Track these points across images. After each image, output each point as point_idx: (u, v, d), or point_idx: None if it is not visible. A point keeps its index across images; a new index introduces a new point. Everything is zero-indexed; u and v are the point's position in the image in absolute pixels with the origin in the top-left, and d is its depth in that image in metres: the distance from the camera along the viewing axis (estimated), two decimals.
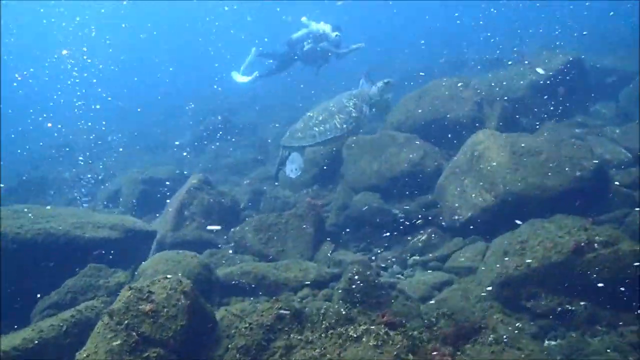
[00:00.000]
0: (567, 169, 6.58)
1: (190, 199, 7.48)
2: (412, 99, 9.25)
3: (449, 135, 8.36)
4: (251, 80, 12.14)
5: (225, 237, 7.47)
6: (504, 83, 9.80)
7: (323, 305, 4.79)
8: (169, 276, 4.51)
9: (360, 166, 8.79)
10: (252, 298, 5.77)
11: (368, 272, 5.39)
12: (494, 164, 6.90)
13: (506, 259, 5.38)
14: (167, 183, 9.94)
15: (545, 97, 9.35)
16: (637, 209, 6.45)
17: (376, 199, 8.29)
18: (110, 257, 6.10)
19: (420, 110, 8.68)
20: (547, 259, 4.94)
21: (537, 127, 8.77)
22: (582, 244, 4.81)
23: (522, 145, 7.00)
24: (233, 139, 14.46)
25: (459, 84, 8.65)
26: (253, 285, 5.87)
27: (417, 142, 8.45)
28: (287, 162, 7.47)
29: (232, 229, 7.22)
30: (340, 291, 5.32)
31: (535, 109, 9.24)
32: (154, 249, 6.90)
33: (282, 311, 4.38)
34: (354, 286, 5.23)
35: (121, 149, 16.43)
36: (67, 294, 5.44)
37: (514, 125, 8.37)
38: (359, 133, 7.60)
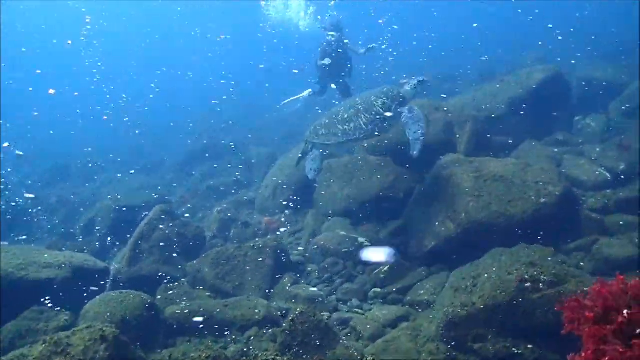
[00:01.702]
0: (531, 195, 6.30)
1: (149, 231, 7.34)
2: None
3: (421, 159, 8.10)
4: (303, 98, 12.05)
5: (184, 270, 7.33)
6: (484, 101, 9.54)
7: (252, 353, 4.59)
8: (92, 324, 4.35)
9: (332, 191, 8.59)
10: (198, 339, 5.60)
11: (312, 313, 5.17)
12: (456, 191, 6.65)
13: (456, 296, 5.13)
14: (144, 212, 9.82)
15: (525, 114, 9.05)
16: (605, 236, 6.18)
17: (346, 225, 8.10)
18: (60, 297, 5.97)
19: (391, 135, 8.44)
20: (493, 298, 4.67)
21: (514, 146, 8.49)
22: (527, 284, 4.53)
23: (487, 170, 6.75)
24: (220, 161, 14.36)
25: (429, 106, 8.41)
26: (201, 325, 5.70)
27: (389, 166, 8.22)
28: (307, 160, 7.23)
29: (189, 263, 7.06)
30: (282, 333, 5.11)
31: (514, 128, 8.96)
32: (109, 286, 6.77)
33: None
34: (296, 328, 5.02)
35: (119, 175, 16.48)
36: (6, 339, 5.32)
37: (486, 147, 8.11)
38: (388, 132, 7.06)
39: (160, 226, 7.38)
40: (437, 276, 6.36)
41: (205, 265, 6.85)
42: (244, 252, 6.94)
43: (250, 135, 17.76)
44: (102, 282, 6.78)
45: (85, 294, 6.14)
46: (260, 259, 6.84)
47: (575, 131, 10.99)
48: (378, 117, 6.72)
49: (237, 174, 12.44)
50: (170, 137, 20.11)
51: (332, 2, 17.58)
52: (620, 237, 6.15)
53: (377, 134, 6.91)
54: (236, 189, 11.61)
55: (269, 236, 8.54)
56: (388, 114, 6.74)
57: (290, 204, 9.18)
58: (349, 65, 11.32)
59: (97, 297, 5.78)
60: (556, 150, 8.28)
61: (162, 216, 7.56)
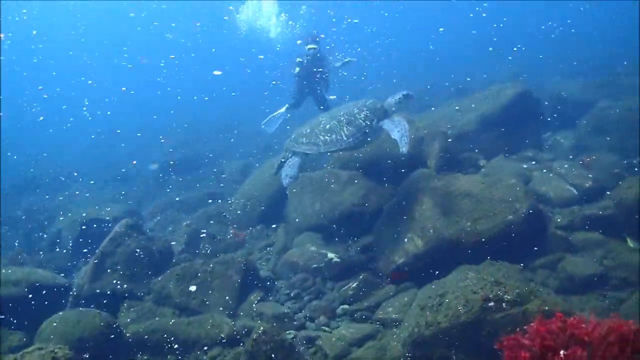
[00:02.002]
0: (498, 212, 6.32)
1: (113, 246, 7.15)
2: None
3: (392, 174, 8.10)
4: (281, 114, 12.05)
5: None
6: (455, 116, 9.60)
7: None
8: (43, 346, 4.19)
9: (303, 205, 8.52)
10: (160, 358, 5.45)
11: (276, 332, 5.08)
12: (425, 207, 6.65)
13: (422, 315, 5.08)
14: (113, 225, 9.61)
15: (495, 131, 9.12)
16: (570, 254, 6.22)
17: (317, 240, 8.04)
18: (18, 315, 5.78)
19: (360, 151, 8.45)
20: (457, 318, 4.64)
21: (484, 163, 8.53)
22: (490, 303, 4.52)
23: (455, 187, 6.77)
24: (195, 173, 14.21)
25: None
26: (163, 344, 5.56)
27: (360, 181, 8.18)
28: (285, 166, 7.11)
29: (154, 279, 6.90)
30: (245, 353, 5.00)
31: (485, 144, 9.01)
32: (70, 304, 6.57)
33: None
34: (258, 348, 4.91)
35: (92, 182, 16.14)
36: None
37: (456, 163, 8.13)
38: (367, 143, 7.01)
39: (125, 241, 7.21)
40: (406, 293, 6.31)
41: (170, 281, 6.70)
42: (211, 268, 6.81)
43: (226, 147, 17.68)
44: (63, 300, 6.58)
45: (43, 312, 5.94)
46: (227, 275, 6.73)
47: (545, 147, 11.16)
48: (360, 130, 6.72)
49: (208, 187, 12.29)
50: (146, 148, 19.85)
51: (304, 8, 17.69)
52: (585, 254, 6.20)
53: (356, 146, 6.90)
54: (210, 202, 11.45)
55: (238, 252, 8.45)
56: (369, 128, 6.75)
57: (262, 217, 9.08)
58: (325, 77, 11.41)
59: (55, 315, 5.59)
60: (525, 166, 8.34)
61: (128, 230, 7.39)
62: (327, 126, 6.86)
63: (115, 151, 19.93)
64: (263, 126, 12.26)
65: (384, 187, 8.19)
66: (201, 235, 8.96)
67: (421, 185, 6.98)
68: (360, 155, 8.50)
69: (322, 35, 11.40)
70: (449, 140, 8.04)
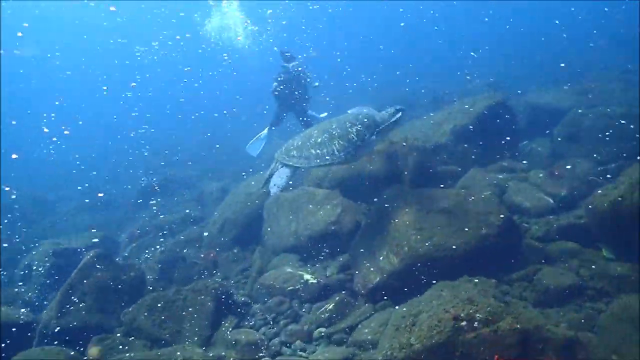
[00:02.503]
0: (472, 226, 6.24)
1: (80, 278, 6.94)
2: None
3: (368, 191, 8.02)
4: (264, 136, 12.01)
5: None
6: (430, 129, 9.56)
7: None
8: None
9: (279, 226, 8.40)
10: None
11: None
12: (400, 223, 6.54)
13: (395, 336, 4.95)
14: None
15: (470, 142, 9.09)
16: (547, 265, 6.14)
17: (294, 261, 7.91)
18: None
19: (335, 168, 8.37)
20: (429, 339, 4.50)
21: (460, 175, 8.48)
22: (462, 323, 4.39)
23: (430, 202, 6.68)
24: (173, 197, 14.00)
25: None
26: None
27: (336, 199, 8.08)
28: (275, 175, 6.93)
29: (125, 310, 6.69)
30: None
31: (460, 156, 8.97)
32: (36, 341, 6.35)
33: None
34: None
35: (69, 209, 15.83)
36: None
37: (432, 177, 8.06)
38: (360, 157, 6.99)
39: (94, 272, 7.00)
40: (383, 313, 6.17)
41: (141, 312, 6.50)
42: (183, 296, 6.62)
43: (206, 168, 17.51)
44: (32, 337, 6.35)
45: (9, 352, 5.72)
46: (200, 303, 6.55)
47: (522, 156, 11.13)
48: (351, 144, 6.61)
49: (187, 210, 12.10)
50: (125, 171, 19.60)
51: (269, 13, 17.75)
52: (561, 265, 6.12)
53: (348, 160, 6.79)
54: (187, 225, 11.27)
55: (214, 277, 8.28)
56: (361, 142, 6.67)
57: (238, 240, 8.92)
58: (306, 97, 11.41)
59: (19, 354, 5.37)
60: (501, 176, 8.29)
61: (96, 261, 7.18)
62: (319, 140, 6.72)
63: (93, 175, 19.61)
64: (247, 150, 12.24)
65: (360, 205, 8.10)
66: (177, 262, 8.76)
67: (395, 202, 6.88)
68: (336, 172, 8.41)
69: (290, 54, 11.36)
70: (424, 153, 7.97)
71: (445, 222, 6.36)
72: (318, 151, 6.63)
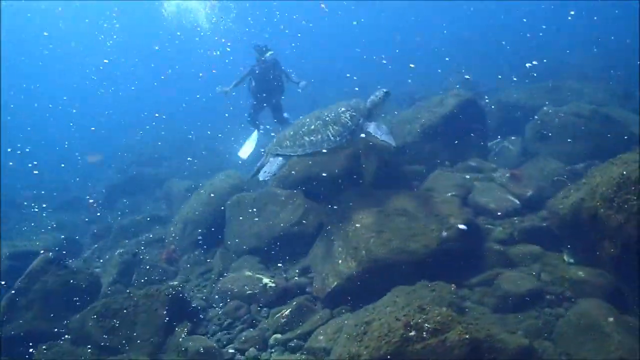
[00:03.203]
0: (433, 228, 6.08)
1: (27, 284, 6.63)
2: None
3: (332, 191, 7.80)
4: (254, 139, 11.95)
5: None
6: (396, 128, 9.37)
7: None
8: None
9: (241, 227, 8.16)
10: None
11: None
12: (359, 226, 6.35)
13: (346, 345, 4.75)
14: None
15: (438, 141, 8.92)
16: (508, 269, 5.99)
17: (255, 264, 7.69)
18: None
19: (297, 167, 8.15)
20: (378, 350, 4.31)
21: (426, 175, 8.31)
22: (411, 332, 4.21)
23: (390, 203, 6.50)
24: (141, 196, 13.68)
25: None
26: None
27: (298, 200, 7.87)
28: (267, 164, 6.82)
29: (73, 317, 6.40)
30: None
31: (427, 155, 8.81)
32: None
33: None
34: None
35: (36, 209, 15.35)
36: None
37: (398, 177, 7.87)
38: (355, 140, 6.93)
39: (43, 277, 6.70)
40: (339, 319, 5.96)
41: (90, 319, 6.21)
42: (135, 302, 6.35)
43: (179, 167, 17.17)
44: None
45: None
46: (153, 309, 6.28)
47: (494, 154, 11.03)
48: (346, 128, 6.56)
49: (154, 210, 11.79)
50: (97, 169, 19.18)
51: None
52: (522, 269, 5.98)
53: (344, 145, 6.71)
54: (153, 226, 10.96)
55: (176, 280, 8.02)
56: (355, 126, 6.63)
57: (201, 241, 8.66)
58: (280, 85, 11.38)
59: None
60: (468, 176, 8.13)
61: (45, 265, 6.87)
62: (312, 127, 6.68)
63: (64, 174, 19.13)
64: (240, 155, 12.13)
65: (323, 206, 7.89)
66: (137, 265, 8.47)
67: (356, 203, 6.69)
68: (299, 172, 8.19)
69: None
70: (390, 152, 7.77)
71: (406, 225, 6.19)
72: (312, 138, 6.58)
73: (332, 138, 6.52)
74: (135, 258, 8.25)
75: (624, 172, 4.87)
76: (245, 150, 12.29)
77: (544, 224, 6.40)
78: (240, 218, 8.20)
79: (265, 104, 11.83)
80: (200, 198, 9.30)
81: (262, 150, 8.81)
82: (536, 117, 10.27)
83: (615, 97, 12.15)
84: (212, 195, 9.04)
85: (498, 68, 20.06)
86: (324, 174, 7.85)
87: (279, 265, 7.57)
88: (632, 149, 5.42)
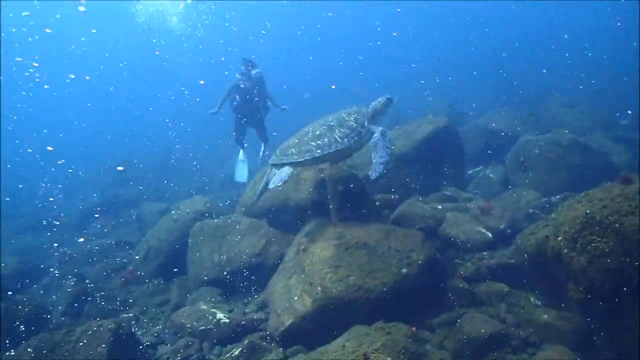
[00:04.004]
0: (393, 264, 5.71)
1: None
2: (260, 178, 8.38)
3: (298, 221, 7.45)
4: (243, 160, 11.69)
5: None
6: (368, 155, 9.02)
7: None
8: None
9: (202, 256, 7.78)
10: None
11: None
12: (316, 259, 5.99)
13: None
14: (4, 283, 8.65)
15: (412, 169, 8.60)
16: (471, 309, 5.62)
17: (214, 296, 7.31)
18: None
19: (266, 194, 7.80)
20: None
21: (398, 204, 7.95)
22: None
23: (351, 236, 6.14)
24: (114, 219, 13.29)
25: None
26: None
27: (262, 229, 7.53)
28: (276, 173, 6.45)
29: (7, 354, 5.98)
30: None
31: (401, 183, 8.48)
32: None
33: None
34: None
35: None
36: None
37: (365, 206, 7.49)
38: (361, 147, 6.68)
39: None
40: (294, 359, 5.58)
41: (26, 356, 5.79)
42: (75, 338, 5.92)
43: (160, 187, 16.82)
44: None
45: None
46: (94, 346, 5.86)
47: (476, 182, 10.74)
48: (353, 131, 6.35)
49: (123, 234, 11.38)
50: (81, 187, 18.80)
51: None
52: (488, 309, 5.62)
53: (352, 148, 6.48)
54: (120, 251, 10.53)
55: (132, 311, 7.61)
56: (362, 129, 6.43)
57: (162, 270, 8.28)
58: (264, 103, 11.19)
59: None
60: (440, 207, 7.80)
61: None
62: (317, 132, 6.44)
63: (45, 191, 18.73)
64: (237, 179, 11.86)
65: (287, 236, 7.54)
66: (91, 295, 8.05)
67: (314, 236, 6.33)
68: (266, 200, 7.85)
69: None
70: (355, 182, 7.43)
71: (365, 260, 5.82)
72: (319, 142, 6.32)
73: (339, 140, 6.28)
74: (88, 287, 7.83)
75: (588, 211, 4.54)
76: (241, 174, 11.99)
77: (511, 261, 6.04)
78: (202, 246, 7.84)
79: (247, 121, 11.52)
80: (166, 223, 8.94)
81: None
82: (516, 145, 10.01)
83: (600, 124, 11.92)
84: (175, 221, 8.68)
85: (490, 89, 19.91)
86: (290, 203, 7.51)
87: (240, 298, 7.19)
88: (600, 185, 5.10)
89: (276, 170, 6.54)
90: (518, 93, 17.34)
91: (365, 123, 6.52)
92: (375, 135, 6.39)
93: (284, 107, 11.66)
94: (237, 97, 11.16)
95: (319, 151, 6.26)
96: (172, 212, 9.15)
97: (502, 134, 11.60)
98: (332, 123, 6.47)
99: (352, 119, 6.48)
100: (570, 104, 14.23)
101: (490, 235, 7.06)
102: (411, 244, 5.93)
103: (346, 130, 6.35)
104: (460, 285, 5.94)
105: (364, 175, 8.19)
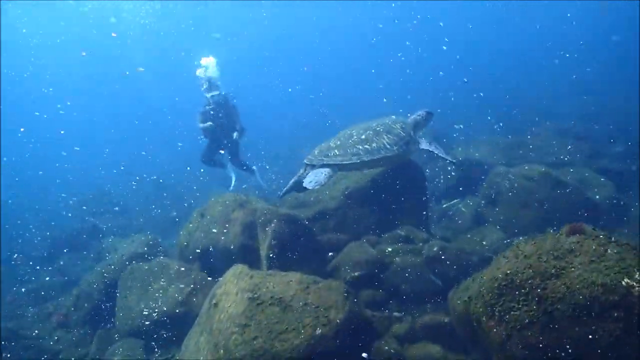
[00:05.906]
0: (307, 324, 4.98)
1: None
2: (195, 219, 7.73)
3: (226, 268, 6.77)
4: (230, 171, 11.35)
5: None
6: (318, 190, 8.33)
7: None
8: None
9: (129, 304, 7.13)
10: None
11: None
12: (223, 316, 5.29)
13: None
14: None
15: (365, 206, 7.87)
16: None
17: (137, 349, 6.64)
18: None
19: (197, 234, 7.18)
20: None
21: (343, 245, 7.24)
22: None
23: (266, 289, 5.43)
24: (78, 253, 12.72)
25: (234, 202, 7.20)
26: None
27: (190, 275, 6.88)
28: (314, 172, 6.04)
29: None
30: None
31: (353, 222, 7.75)
32: None
33: None
34: None
35: None
36: None
37: (304, 250, 6.79)
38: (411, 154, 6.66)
39: None
40: None
41: None
42: None
43: (139, 218, 16.29)
44: None
45: None
46: None
47: (448, 217, 9.99)
48: (402, 139, 6.27)
49: (80, 273, 10.72)
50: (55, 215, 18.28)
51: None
52: None
53: (401, 156, 6.42)
54: (66, 291, 9.90)
55: None
56: (409, 138, 6.40)
57: (90, 317, 7.64)
58: (232, 125, 10.49)
59: None
60: (390, 249, 7.04)
61: None
62: (362, 137, 6.23)
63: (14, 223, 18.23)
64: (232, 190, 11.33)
65: (215, 283, 6.85)
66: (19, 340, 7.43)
67: (227, 287, 5.64)
68: (191, 245, 7.21)
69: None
70: (291, 224, 6.74)
71: (277, 318, 5.10)
72: (367, 146, 6.11)
73: (388, 147, 6.11)
74: (9, 333, 7.22)
75: (508, 272, 3.79)
76: (233, 184, 11.47)
77: (446, 320, 5.27)
78: (130, 292, 7.21)
79: (217, 145, 10.81)
80: (101, 265, 8.32)
81: None
82: (487, 178, 9.26)
83: (586, 153, 11.09)
84: (108, 263, 8.06)
85: (485, 111, 19.14)
86: (219, 245, 6.86)
87: (163, 352, 6.50)
88: (543, 234, 4.36)
89: (314, 170, 6.11)
90: (511, 116, 16.63)
91: (412, 133, 6.45)
92: (422, 144, 6.47)
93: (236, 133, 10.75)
94: (208, 120, 10.51)
95: (367, 155, 6.02)
96: (111, 252, 8.53)
97: (480, 164, 10.86)
98: (378, 129, 6.29)
99: (398, 127, 6.39)
100: (562, 132, 13.44)
101: (440, 283, 6.31)
102: (331, 299, 5.20)
103: (394, 137, 6.22)
104: (391, 346, 5.18)
105: (316, 211, 7.53)
